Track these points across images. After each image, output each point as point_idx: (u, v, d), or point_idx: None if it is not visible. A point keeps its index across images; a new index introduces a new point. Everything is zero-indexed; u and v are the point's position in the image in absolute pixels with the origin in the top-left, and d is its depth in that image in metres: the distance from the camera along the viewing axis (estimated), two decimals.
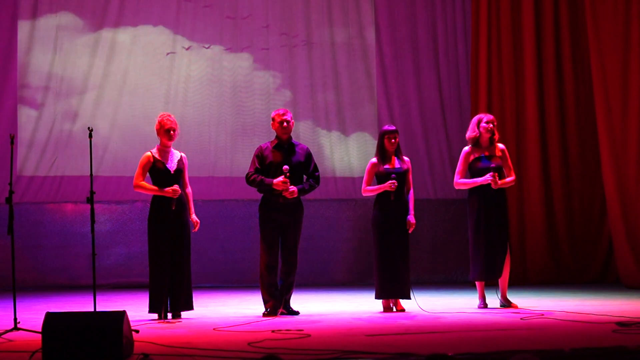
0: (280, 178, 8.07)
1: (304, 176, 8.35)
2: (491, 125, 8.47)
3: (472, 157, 8.52)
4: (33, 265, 11.84)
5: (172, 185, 7.85)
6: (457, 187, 8.74)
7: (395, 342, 6.18)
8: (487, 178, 8.34)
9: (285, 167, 8.09)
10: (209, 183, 12.03)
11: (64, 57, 12.18)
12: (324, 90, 12.60)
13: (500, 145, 8.60)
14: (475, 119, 8.64)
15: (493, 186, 8.34)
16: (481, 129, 8.48)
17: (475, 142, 8.53)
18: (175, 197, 7.81)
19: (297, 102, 12.41)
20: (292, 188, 8.11)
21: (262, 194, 8.29)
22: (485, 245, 8.38)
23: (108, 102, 12.22)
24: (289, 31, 12.58)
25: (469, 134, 8.58)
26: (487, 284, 8.55)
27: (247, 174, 8.25)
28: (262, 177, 8.15)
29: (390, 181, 8.17)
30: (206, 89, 12.43)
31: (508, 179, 8.52)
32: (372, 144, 12.20)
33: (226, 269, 12.17)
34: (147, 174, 7.98)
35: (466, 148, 8.58)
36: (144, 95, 12.30)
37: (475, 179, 8.44)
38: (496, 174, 8.36)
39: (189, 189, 8.08)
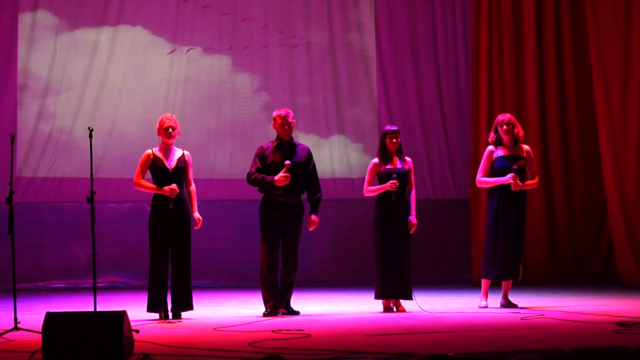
0: (281, 173, 8.07)
1: (306, 189, 8.36)
2: (508, 127, 8.41)
3: (494, 156, 8.49)
4: (33, 265, 11.84)
5: (170, 183, 7.85)
6: (478, 185, 8.71)
7: (395, 342, 6.18)
8: (507, 179, 8.31)
9: (287, 162, 8.09)
10: (208, 184, 12.01)
11: (64, 58, 12.18)
12: (324, 91, 12.58)
13: (526, 147, 8.56)
14: (495, 121, 8.60)
15: (513, 188, 8.31)
16: (500, 132, 8.46)
17: (498, 143, 8.49)
18: (172, 196, 7.81)
19: (296, 102, 12.39)
20: (314, 218, 8.20)
21: (262, 194, 8.29)
22: (502, 246, 8.37)
23: (108, 102, 12.21)
24: (287, 31, 12.57)
25: (490, 137, 8.55)
26: (492, 283, 8.55)
27: (248, 174, 8.25)
28: (263, 175, 8.16)
29: (391, 181, 8.16)
30: (205, 90, 12.42)
31: (530, 182, 8.49)
32: (371, 144, 12.19)
33: (226, 269, 12.16)
34: (149, 172, 7.99)
35: (490, 147, 8.55)
36: (143, 96, 12.29)
37: (496, 179, 8.39)
38: (517, 175, 8.31)
39: (192, 187, 8.07)
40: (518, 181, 8.31)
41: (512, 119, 8.49)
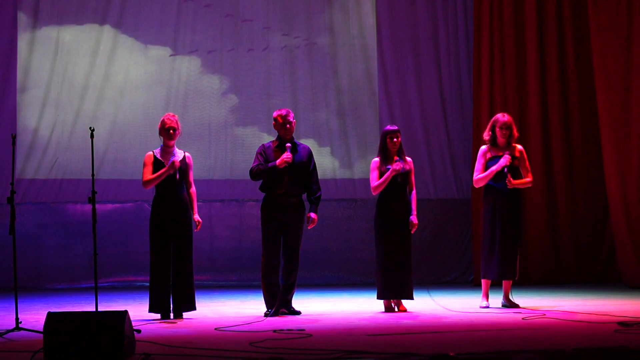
0: (283, 156, 8.07)
1: (307, 188, 8.36)
2: (507, 131, 8.42)
3: (488, 155, 8.49)
4: (34, 265, 11.85)
5: (172, 185, 7.88)
6: (477, 185, 8.60)
7: (397, 342, 6.18)
8: (502, 163, 8.30)
9: (288, 144, 8.11)
10: (208, 184, 12.02)
11: (65, 58, 12.19)
12: (325, 91, 12.57)
13: (519, 146, 8.56)
14: (491, 120, 8.62)
15: (509, 185, 8.33)
16: (497, 133, 8.46)
17: (492, 143, 8.51)
18: (175, 168, 7.81)
19: (298, 102, 12.39)
20: (313, 216, 8.20)
21: (263, 194, 8.28)
22: (499, 245, 8.37)
23: (109, 103, 12.21)
24: (289, 32, 12.57)
25: (485, 136, 8.56)
26: (492, 283, 8.55)
27: (251, 169, 8.23)
28: (265, 164, 8.15)
29: (394, 164, 8.13)
30: (207, 90, 12.42)
31: (524, 180, 8.50)
32: (372, 144, 12.18)
33: (227, 269, 12.16)
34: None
35: (483, 147, 8.55)
36: (144, 97, 12.29)
37: (491, 169, 8.37)
38: (509, 174, 8.32)
39: (193, 189, 8.08)
40: (511, 178, 8.32)
41: (511, 122, 8.50)
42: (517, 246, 8.49)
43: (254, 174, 8.22)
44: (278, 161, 8.09)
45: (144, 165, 7.96)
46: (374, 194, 8.43)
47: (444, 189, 12.60)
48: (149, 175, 7.91)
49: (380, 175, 8.29)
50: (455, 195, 12.57)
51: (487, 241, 8.46)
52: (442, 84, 12.66)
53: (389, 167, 8.26)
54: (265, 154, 8.26)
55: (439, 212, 12.48)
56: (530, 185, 8.71)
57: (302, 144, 8.48)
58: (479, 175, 8.49)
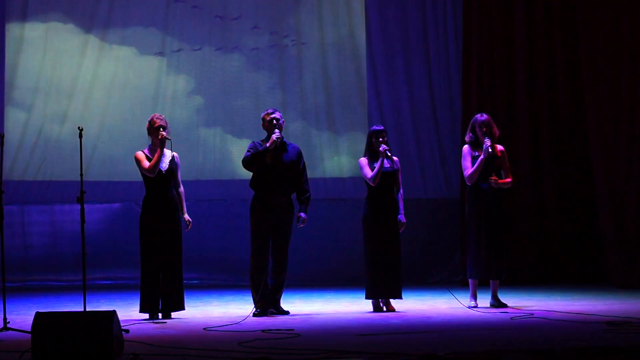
0: (272, 136, 8.06)
1: (296, 188, 8.36)
2: (487, 129, 8.43)
3: (472, 155, 8.50)
4: (22, 266, 11.81)
5: (164, 185, 7.88)
6: (471, 180, 8.47)
7: (385, 341, 6.19)
8: (485, 146, 8.30)
9: (276, 130, 8.10)
10: (197, 185, 11.99)
11: (53, 59, 12.15)
12: (314, 91, 12.58)
13: (499, 147, 8.57)
14: (471, 121, 8.63)
15: (494, 185, 8.34)
16: (477, 133, 8.48)
17: (474, 143, 8.52)
18: (165, 141, 7.83)
19: (288, 102, 12.39)
20: (303, 216, 8.22)
21: (253, 192, 8.27)
22: (485, 245, 8.38)
23: (97, 103, 12.19)
24: (279, 31, 12.57)
25: (467, 138, 8.58)
26: (479, 283, 8.56)
27: (244, 158, 8.17)
28: (256, 149, 8.13)
29: (381, 147, 8.12)
30: (196, 90, 12.41)
31: (506, 180, 8.52)
32: (362, 144, 12.14)
33: (215, 269, 12.15)
34: (140, 174, 7.96)
35: (466, 146, 8.57)
36: (133, 97, 12.27)
37: (479, 159, 8.36)
38: (494, 172, 8.37)
39: (181, 189, 8.08)
40: (495, 177, 8.34)
41: (490, 120, 8.52)
42: (503, 245, 8.51)
43: (247, 162, 8.15)
44: (268, 143, 8.08)
45: (140, 160, 7.89)
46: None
47: (433, 188, 12.62)
48: (148, 162, 7.87)
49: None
50: (445, 195, 12.58)
51: (473, 241, 8.48)
52: (431, 83, 12.67)
53: (375, 165, 8.25)
54: (257, 149, 8.23)
55: (428, 212, 12.47)
56: (510, 186, 8.70)
57: (291, 143, 8.48)
58: (470, 170, 8.48)
